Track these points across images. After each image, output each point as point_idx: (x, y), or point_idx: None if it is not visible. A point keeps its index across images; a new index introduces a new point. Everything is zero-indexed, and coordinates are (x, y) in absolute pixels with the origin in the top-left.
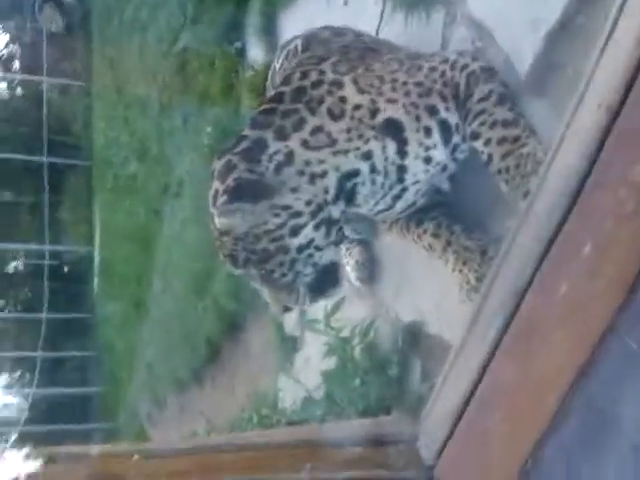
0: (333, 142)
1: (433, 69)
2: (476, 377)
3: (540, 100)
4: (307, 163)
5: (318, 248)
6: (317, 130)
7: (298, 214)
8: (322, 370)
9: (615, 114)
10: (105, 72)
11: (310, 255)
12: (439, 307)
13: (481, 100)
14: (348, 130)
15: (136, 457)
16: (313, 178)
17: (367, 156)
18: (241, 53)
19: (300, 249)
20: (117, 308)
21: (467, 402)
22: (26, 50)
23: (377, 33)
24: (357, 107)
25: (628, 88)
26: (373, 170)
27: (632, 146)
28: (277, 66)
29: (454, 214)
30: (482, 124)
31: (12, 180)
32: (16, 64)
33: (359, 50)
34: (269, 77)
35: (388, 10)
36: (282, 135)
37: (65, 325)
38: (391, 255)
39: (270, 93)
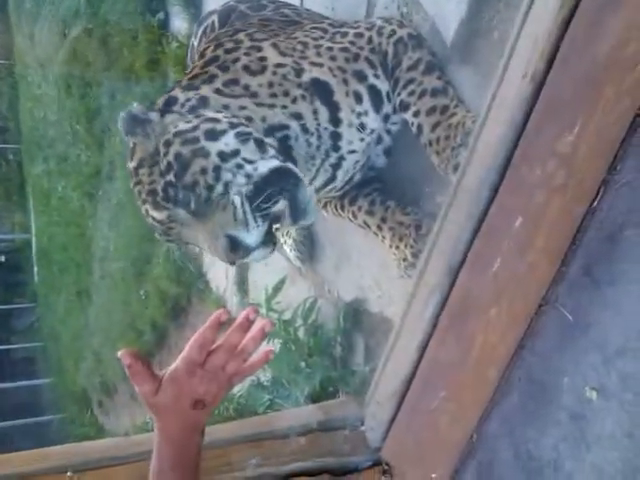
0: (253, 94)
1: (359, 35)
2: (416, 356)
3: (466, 66)
4: (225, 107)
5: (248, 161)
6: (231, 82)
7: (214, 120)
8: None
9: (540, 83)
10: (27, 50)
11: (239, 165)
12: (379, 283)
13: (410, 69)
14: (270, 84)
15: (69, 474)
16: (236, 117)
17: (297, 116)
18: (164, 24)
19: (222, 156)
20: (59, 296)
21: (409, 382)
22: None
23: (302, 2)
24: (279, 65)
25: (552, 56)
26: (305, 131)
27: (559, 116)
28: (195, 43)
29: (388, 190)
30: (411, 94)
31: None
32: None
33: (280, 22)
34: (187, 54)
35: None
36: (191, 87)
37: (6, 316)
38: (329, 232)
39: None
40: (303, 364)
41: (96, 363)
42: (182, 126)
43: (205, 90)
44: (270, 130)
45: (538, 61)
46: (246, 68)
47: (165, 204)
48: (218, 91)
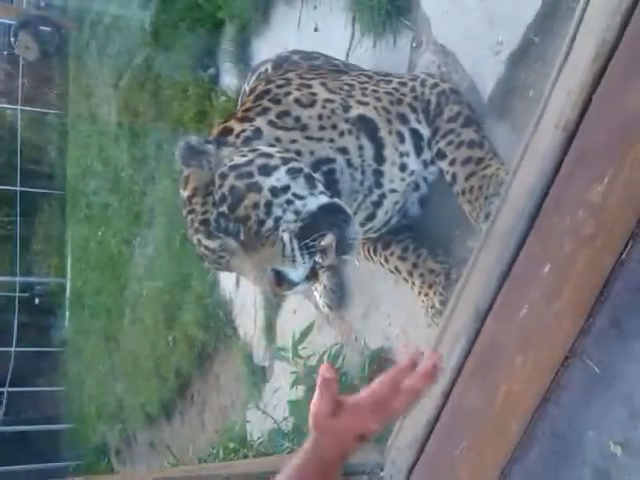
0: (303, 127)
1: (403, 84)
2: (440, 403)
3: (502, 122)
4: (277, 139)
5: (298, 196)
6: (284, 114)
7: (267, 155)
8: (290, 400)
9: (572, 134)
10: (81, 101)
11: (289, 202)
12: (406, 332)
13: (450, 120)
14: (319, 117)
15: None
16: (287, 151)
17: (343, 151)
18: (214, 80)
19: (274, 191)
20: (87, 341)
21: (431, 429)
22: (1, 78)
23: (347, 58)
24: (328, 100)
25: (584, 107)
26: (350, 165)
27: (589, 166)
28: (247, 89)
29: (420, 238)
30: (449, 143)
31: None
32: None
33: (328, 69)
34: (239, 100)
35: (357, 36)
36: (246, 119)
37: (35, 359)
38: (359, 280)
39: None
40: None
41: (118, 410)
42: (237, 160)
43: (259, 122)
44: (317, 163)
45: (571, 112)
46: (297, 101)
47: (217, 233)
48: (271, 123)
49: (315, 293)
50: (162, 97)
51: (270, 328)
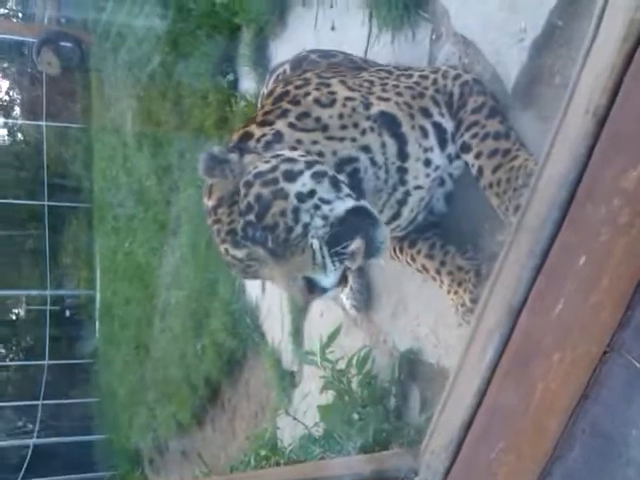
0: (324, 127)
1: (424, 77)
2: (475, 403)
3: (528, 112)
4: (299, 141)
5: (325, 201)
6: (304, 115)
7: (291, 160)
8: (319, 405)
9: (603, 119)
10: (103, 113)
11: (316, 207)
12: (436, 332)
13: (474, 112)
14: (340, 116)
15: None
16: (309, 153)
17: (365, 149)
18: (234, 85)
19: (300, 197)
20: (118, 351)
21: (466, 431)
22: (25, 95)
23: (365, 54)
24: (349, 98)
25: (614, 91)
26: (374, 163)
27: (623, 151)
28: (266, 91)
29: (447, 236)
30: (474, 136)
31: (13, 225)
32: (16, 109)
33: (347, 67)
34: (258, 103)
35: (375, 32)
36: (266, 123)
37: (67, 371)
38: (386, 281)
39: None
40: (356, 416)
41: (150, 419)
42: (262, 167)
43: (280, 124)
44: (340, 164)
45: (600, 96)
46: (317, 101)
47: (244, 242)
48: (292, 125)
49: (342, 295)
50: (183, 105)
51: (297, 332)
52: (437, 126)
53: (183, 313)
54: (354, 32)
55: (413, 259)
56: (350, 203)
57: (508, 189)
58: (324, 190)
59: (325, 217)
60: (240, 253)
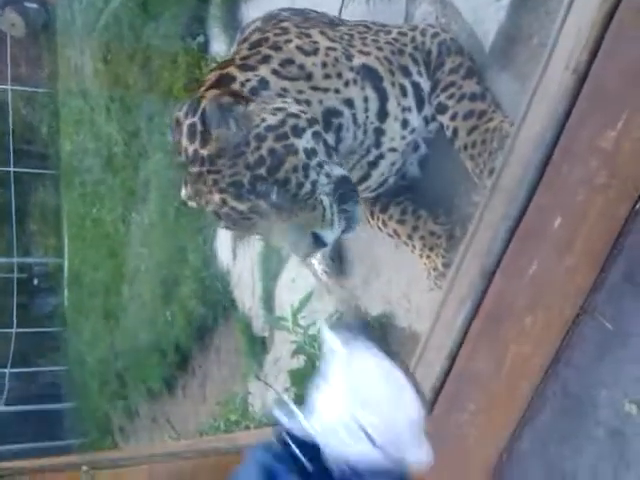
0: (309, 76)
1: (403, 34)
2: (445, 367)
3: (505, 72)
4: (284, 90)
5: (324, 162)
6: (287, 62)
7: (295, 115)
8: (290, 370)
9: (583, 75)
10: (70, 76)
11: (320, 164)
12: (408, 297)
13: (451, 72)
14: (324, 64)
15: (84, 468)
16: (298, 102)
17: (349, 103)
18: (204, 47)
19: (307, 153)
20: (87, 319)
21: (437, 394)
22: None
23: (340, 14)
24: (330, 48)
25: (595, 47)
26: (355, 121)
27: (602, 109)
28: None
29: (420, 200)
30: (450, 97)
31: None
32: None
33: (323, 22)
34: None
35: None
36: (248, 67)
37: (35, 339)
38: (358, 247)
39: None
40: None
41: (120, 387)
42: (271, 120)
43: (263, 70)
44: (327, 114)
45: (581, 53)
46: (299, 48)
47: (249, 196)
48: (276, 72)
49: (313, 261)
50: (152, 68)
51: (269, 298)
52: (415, 85)
53: (153, 280)
54: None
55: (385, 224)
56: (341, 170)
57: (483, 151)
58: (322, 152)
59: (328, 175)
60: (242, 206)
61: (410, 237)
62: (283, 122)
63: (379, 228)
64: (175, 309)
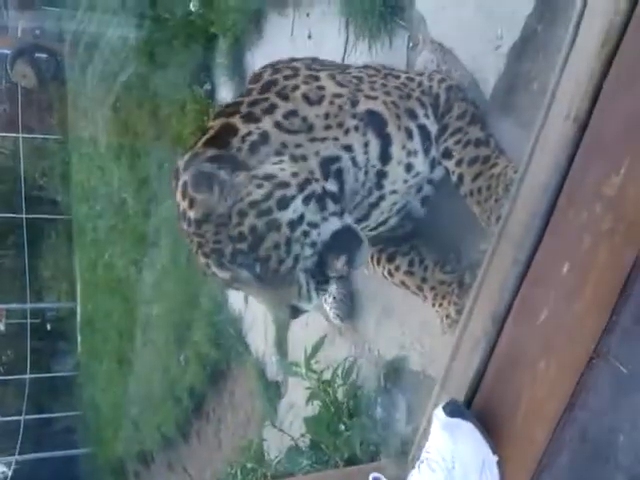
0: (309, 128)
1: (410, 79)
2: None
3: (507, 118)
4: (284, 145)
5: (312, 225)
6: (291, 114)
7: (284, 184)
8: (305, 416)
9: (583, 124)
10: (80, 125)
11: (305, 233)
12: (421, 341)
13: (459, 117)
14: (326, 116)
15: None
16: (294, 158)
17: (347, 148)
18: (211, 95)
19: (292, 225)
20: (100, 365)
21: None
22: (0, 107)
23: (343, 62)
24: (337, 95)
25: (595, 96)
26: (355, 164)
27: (604, 157)
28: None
29: (426, 244)
30: (457, 142)
31: None
32: None
33: (333, 65)
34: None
35: (352, 39)
36: (252, 118)
37: (49, 385)
38: (370, 290)
39: None
40: (342, 427)
41: (134, 432)
42: (256, 194)
43: (266, 124)
44: (324, 163)
45: (581, 101)
46: (305, 97)
47: (230, 266)
48: (278, 125)
49: (325, 305)
50: (160, 116)
51: (282, 343)
52: (422, 128)
53: (165, 325)
54: (331, 40)
55: (391, 274)
56: (336, 224)
57: (489, 197)
58: (311, 212)
59: (313, 244)
60: (224, 274)
61: (420, 288)
62: (269, 195)
63: (384, 276)
64: (188, 353)
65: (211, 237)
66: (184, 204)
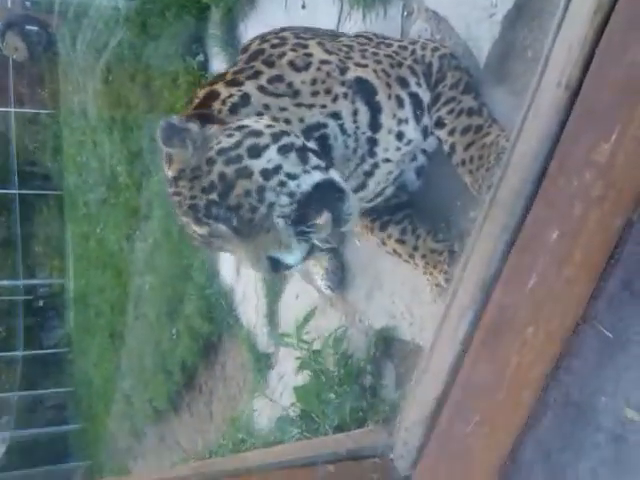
0: (295, 93)
1: (403, 47)
2: (449, 379)
3: (501, 86)
4: (266, 107)
5: (291, 176)
6: (276, 79)
7: (256, 133)
8: (295, 386)
9: (575, 91)
10: (72, 98)
11: (282, 183)
12: (411, 310)
13: (452, 87)
14: (313, 81)
15: None
16: (275, 119)
17: (335, 116)
18: (204, 66)
19: (265, 174)
20: (92, 339)
21: (441, 406)
22: None
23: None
24: (324, 62)
25: (587, 63)
26: (343, 131)
27: (595, 124)
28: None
29: (419, 214)
30: (450, 112)
31: None
32: None
33: (324, 33)
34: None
35: (346, 9)
36: (235, 83)
37: (42, 361)
38: (361, 261)
39: None
40: (332, 395)
41: (126, 407)
42: (225, 142)
43: (249, 86)
44: (308, 130)
45: (573, 68)
46: (291, 64)
47: (207, 220)
48: (261, 88)
49: (316, 276)
50: (153, 88)
51: (273, 314)
52: (414, 96)
53: (157, 299)
54: (325, 10)
55: (384, 242)
56: (317, 176)
57: (480, 166)
58: (290, 164)
59: (291, 194)
60: (202, 230)
61: (412, 256)
62: (239, 144)
63: (377, 245)
64: (180, 327)
65: (187, 193)
66: (166, 170)
